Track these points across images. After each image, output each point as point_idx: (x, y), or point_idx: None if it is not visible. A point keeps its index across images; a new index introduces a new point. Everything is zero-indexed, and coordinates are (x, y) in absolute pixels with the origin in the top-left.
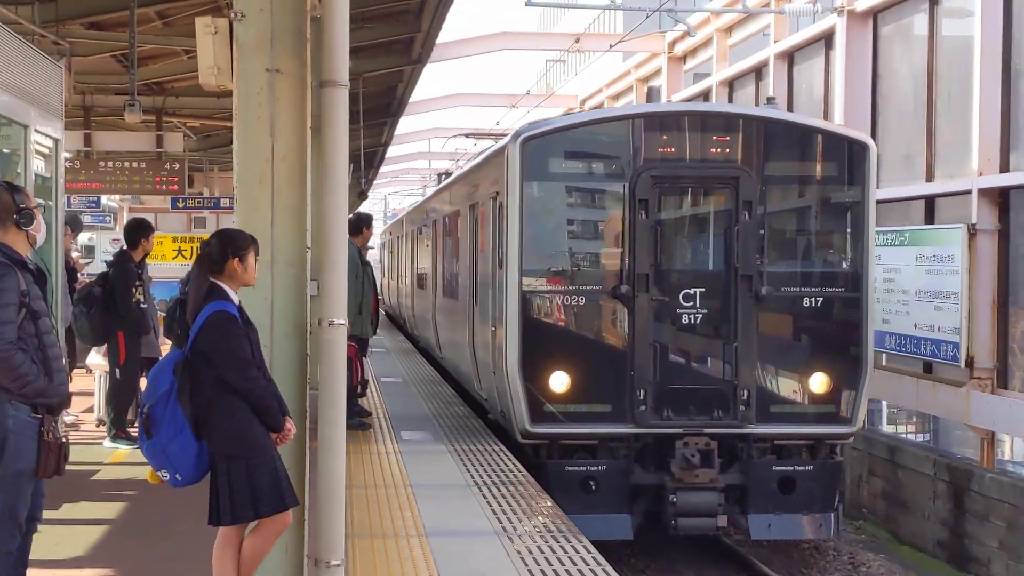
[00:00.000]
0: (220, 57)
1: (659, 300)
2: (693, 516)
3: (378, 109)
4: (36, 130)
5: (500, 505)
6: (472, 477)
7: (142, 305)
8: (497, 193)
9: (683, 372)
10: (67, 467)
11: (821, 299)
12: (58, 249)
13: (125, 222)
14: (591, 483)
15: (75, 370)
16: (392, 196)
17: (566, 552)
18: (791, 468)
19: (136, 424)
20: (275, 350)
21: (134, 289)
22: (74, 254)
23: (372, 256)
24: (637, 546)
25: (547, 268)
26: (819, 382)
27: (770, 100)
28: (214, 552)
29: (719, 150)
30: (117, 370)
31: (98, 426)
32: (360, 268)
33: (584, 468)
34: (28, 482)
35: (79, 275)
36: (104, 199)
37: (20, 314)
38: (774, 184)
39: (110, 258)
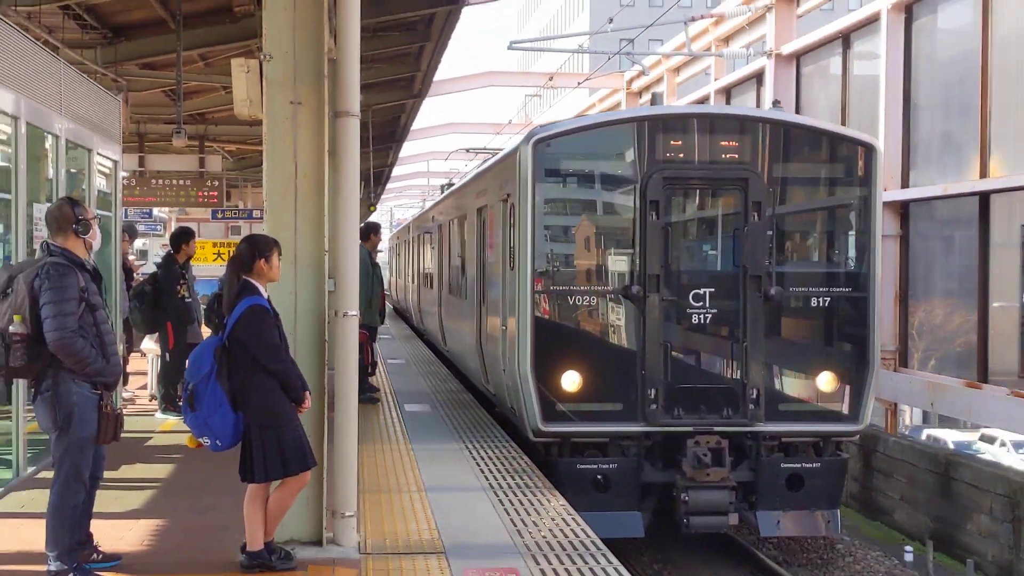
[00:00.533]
0: (252, 92)
1: (669, 300)
2: (705, 514)
3: (384, 135)
4: (98, 153)
5: (487, 465)
6: (464, 443)
7: (186, 300)
8: (508, 195)
9: (693, 371)
10: (124, 435)
11: (828, 299)
12: (116, 253)
13: (172, 230)
14: (602, 481)
15: (132, 354)
16: (397, 208)
17: (546, 503)
18: (799, 465)
19: (181, 399)
20: (298, 336)
21: (178, 287)
22: (130, 257)
23: (380, 258)
24: (648, 544)
25: (559, 269)
26: (826, 381)
27: (776, 104)
28: (245, 505)
29: (728, 152)
30: (167, 354)
31: (150, 400)
32: (370, 268)
33: (595, 466)
34: (90, 447)
35: (135, 275)
36: (155, 211)
37: (80, 307)
38: (782, 185)
39: (159, 260)
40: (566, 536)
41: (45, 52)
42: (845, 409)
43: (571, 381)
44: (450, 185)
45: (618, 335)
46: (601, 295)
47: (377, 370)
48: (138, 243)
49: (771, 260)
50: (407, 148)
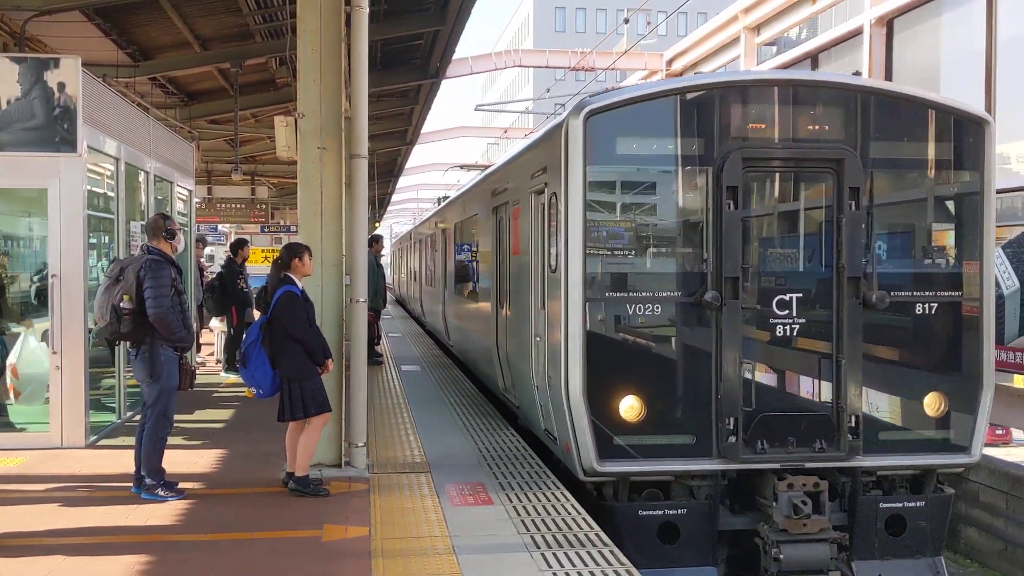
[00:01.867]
0: (290, 140)
1: (750, 309)
2: (802, 574)
3: (385, 171)
4: (178, 185)
5: (462, 410)
6: (444, 393)
7: (244, 290)
8: (545, 185)
9: (779, 395)
10: (197, 388)
11: (936, 305)
12: (191, 256)
13: (232, 240)
14: (670, 530)
15: (203, 330)
16: (395, 224)
17: (503, 437)
18: (900, 504)
19: (238, 360)
20: (324, 317)
21: (238, 280)
22: (203, 260)
23: (384, 261)
24: None
25: (616, 271)
26: (934, 404)
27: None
28: (287, 438)
29: (818, 127)
30: (231, 329)
31: (217, 363)
32: (376, 268)
33: (661, 512)
34: (175, 394)
35: (205, 272)
36: (220, 226)
37: (171, 291)
38: (882, 168)
39: (223, 262)
40: (514, 452)
41: (138, 111)
42: (956, 437)
43: (631, 409)
44: (446, 198)
45: (688, 352)
46: (668, 303)
47: (381, 341)
48: (208, 250)
49: (870, 258)
50: (402, 181)
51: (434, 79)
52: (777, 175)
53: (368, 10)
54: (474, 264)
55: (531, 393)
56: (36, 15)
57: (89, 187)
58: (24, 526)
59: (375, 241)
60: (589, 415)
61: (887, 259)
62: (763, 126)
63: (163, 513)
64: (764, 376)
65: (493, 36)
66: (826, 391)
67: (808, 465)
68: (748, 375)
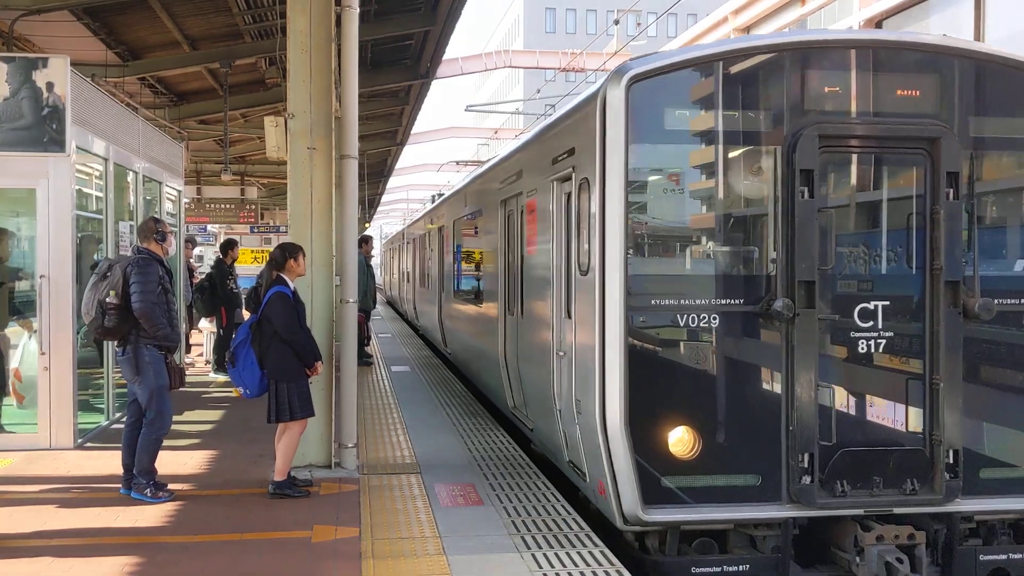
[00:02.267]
0: (280, 140)
1: (828, 320)
2: None
3: (375, 172)
4: (167, 185)
5: (452, 410)
6: (434, 394)
7: (234, 290)
8: (572, 170)
9: (862, 426)
10: (187, 388)
11: None
12: (181, 257)
13: (221, 241)
14: None
15: (192, 331)
16: (385, 224)
17: (492, 436)
18: (1004, 557)
19: (227, 361)
20: (315, 317)
21: (228, 280)
22: (192, 261)
23: (375, 261)
24: None
25: (665, 274)
26: None
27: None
28: (276, 438)
29: (909, 94)
30: (220, 330)
31: (206, 363)
32: (365, 268)
33: (719, 569)
34: (168, 392)
35: (194, 273)
36: (209, 227)
37: (159, 289)
38: (986, 149)
39: (212, 263)
40: (505, 453)
41: (127, 111)
42: None
43: (683, 443)
44: (440, 195)
45: (751, 373)
46: (728, 314)
47: (371, 342)
48: (197, 251)
49: (971, 259)
50: (392, 181)
51: (424, 79)
52: (856, 157)
53: (358, 10)
54: (477, 264)
55: (551, 417)
56: (24, 14)
57: (77, 187)
58: (12, 527)
59: (365, 242)
60: (631, 450)
61: (992, 259)
62: (839, 96)
63: (152, 514)
64: (844, 402)
65: (483, 37)
66: (917, 420)
67: (897, 511)
68: (826, 401)
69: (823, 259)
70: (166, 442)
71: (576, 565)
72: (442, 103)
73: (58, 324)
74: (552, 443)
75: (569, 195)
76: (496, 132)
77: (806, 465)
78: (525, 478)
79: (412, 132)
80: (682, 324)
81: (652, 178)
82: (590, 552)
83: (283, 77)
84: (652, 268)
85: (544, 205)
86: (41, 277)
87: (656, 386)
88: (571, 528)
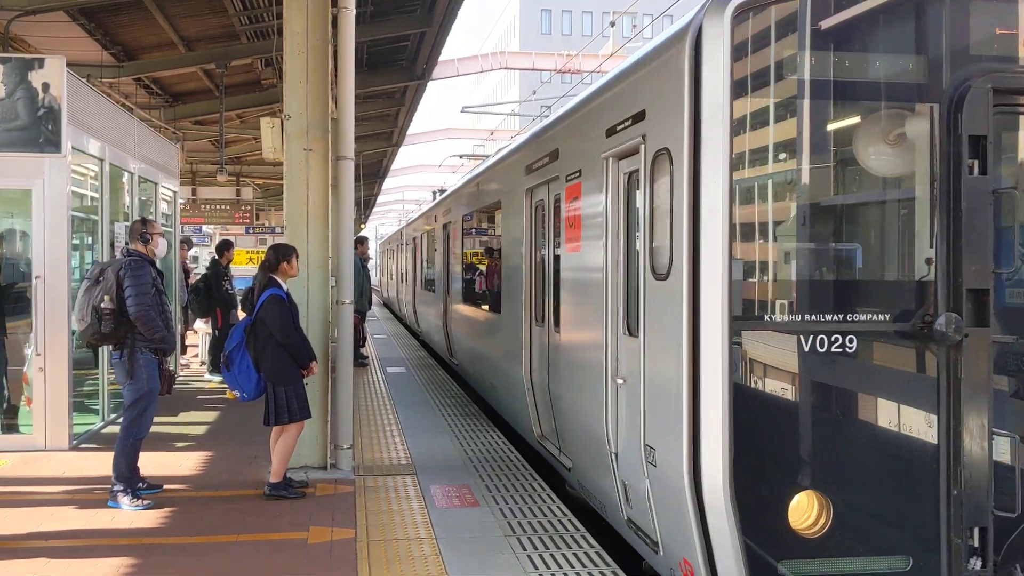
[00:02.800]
0: (276, 141)
1: (1004, 342)
2: None
3: (371, 173)
4: (162, 186)
5: (447, 412)
6: (430, 396)
7: (229, 292)
8: (643, 139)
9: None
10: (181, 389)
11: None
12: (176, 258)
13: (217, 241)
14: None
15: (188, 332)
16: (380, 225)
17: (487, 435)
18: None
19: (222, 363)
20: (310, 319)
21: (223, 282)
22: (188, 262)
23: (371, 263)
24: None
25: (781, 280)
26: None
27: None
28: (271, 440)
29: None
30: (216, 331)
31: (201, 365)
32: (361, 269)
33: None
34: (155, 397)
35: (190, 274)
36: (204, 227)
37: (152, 291)
38: None
39: (208, 263)
40: (500, 455)
41: (123, 112)
42: None
43: (806, 513)
44: (443, 191)
45: (897, 416)
46: (866, 334)
47: (366, 343)
48: (192, 252)
49: None
50: (388, 182)
51: (420, 81)
52: None
53: (355, 12)
54: (493, 266)
55: (600, 461)
56: (20, 15)
57: (73, 188)
58: (8, 528)
59: (360, 242)
60: (738, 526)
61: None
62: (1010, 42)
63: (148, 515)
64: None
65: (479, 38)
66: None
67: None
68: (1003, 455)
69: (998, 259)
70: (162, 442)
71: (572, 566)
72: (438, 105)
73: (53, 325)
74: (599, 491)
75: (633, 174)
76: (492, 133)
77: (975, 544)
78: (521, 479)
79: (408, 133)
80: (806, 349)
81: (763, 148)
82: (586, 552)
83: (279, 78)
84: (764, 273)
85: (593, 190)
86: (36, 278)
87: (771, 435)
88: (567, 529)
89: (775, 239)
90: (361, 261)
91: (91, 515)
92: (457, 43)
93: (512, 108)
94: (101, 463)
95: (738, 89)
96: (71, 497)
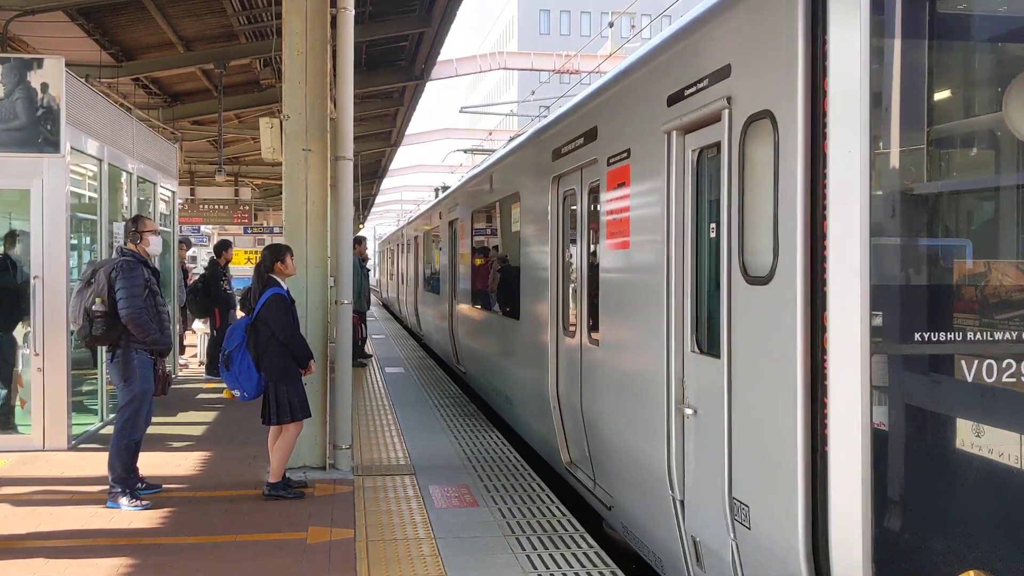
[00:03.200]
0: (275, 142)
1: None
2: None
3: (370, 173)
4: (161, 186)
5: (445, 412)
6: (429, 396)
7: (228, 291)
8: (727, 103)
9: None
10: (180, 388)
11: None
12: (174, 257)
13: (215, 241)
14: None
15: (186, 332)
16: (379, 225)
17: (486, 435)
18: None
19: (221, 362)
20: (309, 319)
21: (222, 281)
22: (186, 262)
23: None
24: None
25: (935, 286)
26: None
27: None
28: (269, 440)
29: None
30: (215, 331)
31: (200, 365)
32: (359, 269)
33: None
34: (150, 398)
35: (189, 274)
36: (203, 227)
37: (145, 292)
38: None
39: (206, 263)
40: (499, 455)
41: (121, 112)
42: None
43: None
44: (445, 188)
45: None
46: None
47: (366, 343)
48: (190, 252)
49: None
50: (386, 182)
51: (419, 81)
52: None
53: (354, 12)
54: (508, 267)
55: (659, 507)
56: (19, 15)
57: (71, 188)
58: (7, 528)
59: (358, 242)
60: None
61: None
62: None
63: (146, 515)
64: None
65: (478, 38)
66: None
67: None
68: None
69: None
70: (160, 442)
71: (571, 566)
72: (438, 105)
73: (52, 325)
74: (655, 542)
75: (706, 151)
76: (491, 134)
77: None
78: (519, 479)
79: (406, 133)
80: (970, 378)
81: (912, 106)
82: (584, 552)
83: (278, 78)
84: (912, 276)
85: (646, 172)
86: (35, 278)
87: (924, 497)
88: (565, 529)
89: (942, 227)
90: (359, 261)
91: (90, 515)
92: (456, 43)
93: (511, 108)
94: (100, 463)
95: (880, 24)
96: (70, 497)
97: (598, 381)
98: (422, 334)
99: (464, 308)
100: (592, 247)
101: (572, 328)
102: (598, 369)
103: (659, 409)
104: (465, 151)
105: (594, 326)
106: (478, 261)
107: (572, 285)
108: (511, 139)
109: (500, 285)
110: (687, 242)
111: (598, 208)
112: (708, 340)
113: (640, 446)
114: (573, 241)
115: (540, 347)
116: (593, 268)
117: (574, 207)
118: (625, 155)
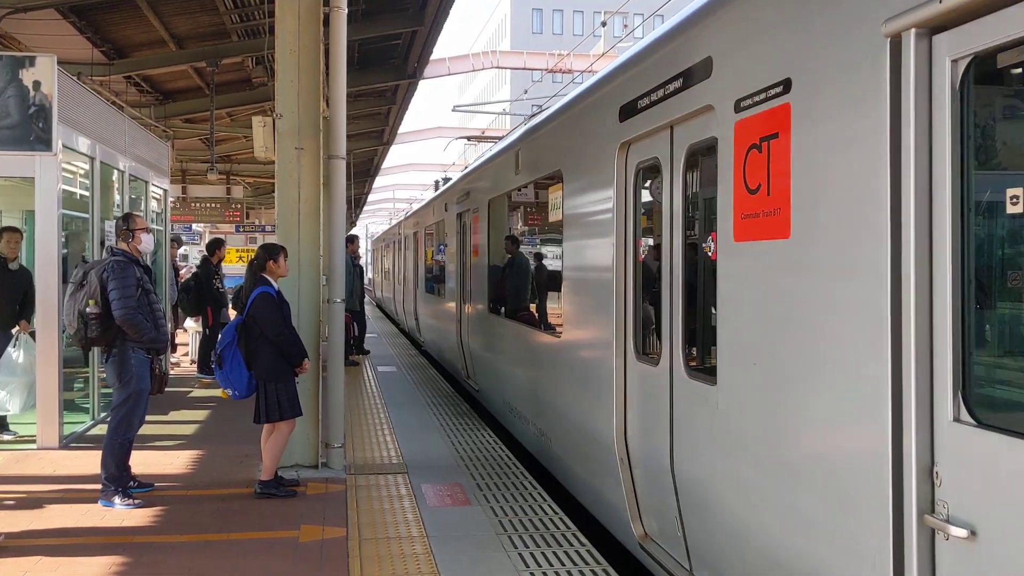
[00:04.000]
0: (267, 140)
1: None
2: None
3: (362, 172)
4: (152, 184)
5: (438, 410)
6: (422, 394)
7: (220, 290)
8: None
9: None
10: (172, 388)
11: None
12: (166, 256)
13: (207, 240)
14: None
15: (178, 330)
16: (371, 224)
17: (479, 432)
18: None
19: (213, 361)
20: (301, 317)
21: (214, 280)
22: (178, 260)
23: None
24: None
25: None
26: None
27: None
28: (262, 438)
29: None
30: (207, 329)
31: (192, 363)
32: (351, 268)
33: None
34: (145, 397)
35: (180, 272)
36: (194, 226)
37: (138, 291)
38: None
39: (198, 262)
40: (492, 454)
41: (113, 110)
42: None
43: None
44: (447, 180)
45: None
46: None
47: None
48: (181, 249)
49: None
50: (378, 181)
51: (411, 79)
52: None
53: (347, 11)
54: (542, 266)
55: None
56: (10, 12)
57: (63, 186)
58: None
59: (351, 241)
60: None
61: None
62: None
63: (138, 514)
64: None
65: (470, 37)
66: None
67: None
68: None
69: None
70: (152, 441)
71: (563, 564)
72: (431, 105)
73: (44, 324)
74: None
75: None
76: (483, 132)
77: None
78: (512, 478)
79: (399, 132)
80: None
81: None
82: (577, 551)
83: (270, 76)
84: None
85: (828, 110)
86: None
87: None
88: (558, 528)
89: None
90: (351, 260)
91: (82, 514)
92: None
93: (503, 107)
94: (92, 462)
95: None
96: (62, 496)
97: (705, 430)
98: (422, 340)
99: (478, 316)
100: (688, 240)
101: (653, 353)
102: (706, 413)
103: (859, 494)
104: (468, 139)
105: (695, 351)
106: (494, 260)
107: (653, 294)
108: (534, 113)
109: (528, 290)
110: (948, 224)
111: (709, 179)
112: (985, 398)
113: (808, 550)
114: (652, 231)
115: (593, 374)
116: (691, 266)
117: (656, 183)
118: (779, 90)
